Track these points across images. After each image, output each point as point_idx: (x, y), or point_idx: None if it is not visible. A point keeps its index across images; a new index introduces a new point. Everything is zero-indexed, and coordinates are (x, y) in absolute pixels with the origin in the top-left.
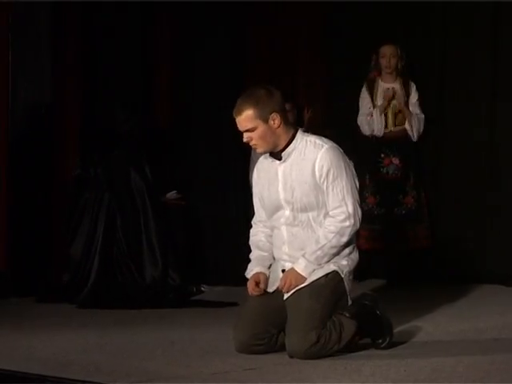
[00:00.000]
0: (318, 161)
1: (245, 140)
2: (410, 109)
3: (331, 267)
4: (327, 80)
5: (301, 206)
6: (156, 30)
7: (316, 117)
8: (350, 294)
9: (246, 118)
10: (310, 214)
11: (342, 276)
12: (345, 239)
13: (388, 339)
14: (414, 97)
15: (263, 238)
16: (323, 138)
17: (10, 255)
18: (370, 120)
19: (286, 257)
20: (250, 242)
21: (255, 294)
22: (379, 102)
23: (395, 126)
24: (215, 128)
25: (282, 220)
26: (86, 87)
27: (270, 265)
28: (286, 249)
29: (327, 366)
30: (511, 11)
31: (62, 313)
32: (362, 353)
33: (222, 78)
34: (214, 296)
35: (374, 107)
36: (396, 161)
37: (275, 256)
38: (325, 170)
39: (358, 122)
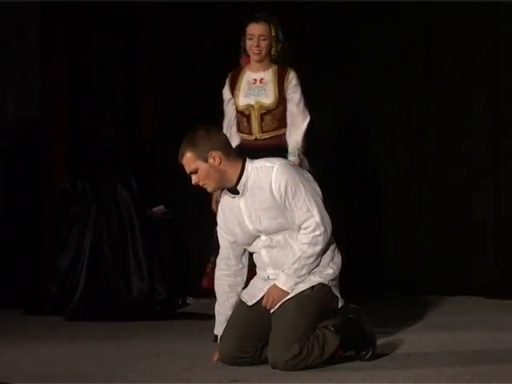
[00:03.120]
0: (273, 183)
1: (193, 182)
2: (289, 111)
3: (317, 279)
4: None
5: (273, 229)
6: (139, 45)
7: None
8: (340, 296)
9: (186, 161)
10: (285, 233)
11: (329, 285)
12: (319, 248)
13: (372, 351)
14: (292, 94)
15: (227, 288)
16: (271, 159)
17: None
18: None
19: (272, 276)
20: (216, 289)
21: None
22: (241, 100)
23: (262, 132)
24: None
25: (260, 244)
26: (74, 102)
27: None
28: (270, 270)
29: (312, 377)
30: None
31: (50, 325)
32: (346, 364)
33: (206, 92)
34: (199, 308)
35: (236, 108)
36: None
37: (261, 276)
38: (282, 189)
39: None
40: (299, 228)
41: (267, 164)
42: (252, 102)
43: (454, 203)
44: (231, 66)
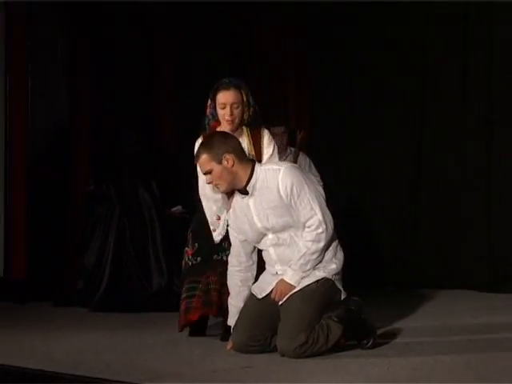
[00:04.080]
0: (280, 184)
1: (207, 182)
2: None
3: (321, 274)
4: (311, 107)
5: (279, 227)
6: (159, 55)
7: (306, 137)
8: (342, 289)
9: (202, 162)
10: (291, 232)
11: (333, 279)
12: (322, 244)
13: (372, 340)
14: (268, 149)
15: (239, 283)
16: (279, 162)
17: (30, 264)
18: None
19: (280, 272)
20: (228, 283)
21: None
22: None
23: None
24: None
25: (268, 242)
26: (98, 111)
27: None
28: (278, 266)
29: (317, 364)
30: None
31: (76, 316)
32: (348, 352)
33: None
34: None
35: None
36: None
37: (269, 271)
38: (288, 189)
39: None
40: (304, 226)
41: (274, 167)
42: None
43: (452, 203)
44: (244, 70)
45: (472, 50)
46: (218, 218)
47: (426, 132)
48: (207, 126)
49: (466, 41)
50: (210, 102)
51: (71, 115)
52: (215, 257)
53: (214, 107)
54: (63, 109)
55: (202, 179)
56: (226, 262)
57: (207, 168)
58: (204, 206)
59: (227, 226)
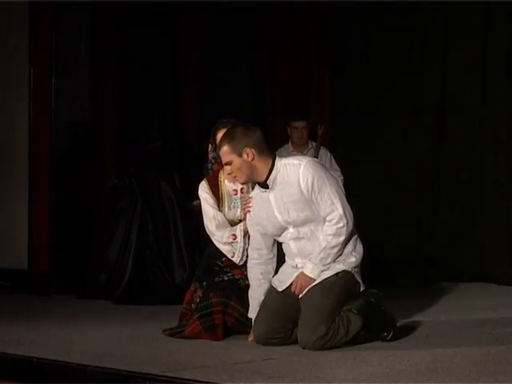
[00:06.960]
0: (301, 178)
1: (227, 172)
2: None
3: (341, 267)
4: (334, 103)
5: (300, 221)
6: (183, 54)
7: (327, 132)
8: (361, 282)
9: (223, 153)
10: (311, 226)
11: (352, 272)
12: (342, 238)
13: (392, 332)
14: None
15: (259, 276)
16: (299, 157)
17: (53, 258)
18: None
19: (300, 265)
20: (249, 275)
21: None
22: (227, 213)
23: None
24: None
25: (289, 236)
26: (122, 110)
27: None
28: (299, 260)
29: (338, 356)
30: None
31: (100, 308)
32: (369, 344)
33: (242, 94)
34: None
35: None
36: None
37: (289, 264)
38: (309, 183)
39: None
40: (324, 220)
41: (295, 161)
42: (239, 216)
43: (472, 197)
44: (267, 66)
45: (491, 50)
46: (234, 238)
47: (447, 126)
48: (210, 171)
49: (485, 42)
50: (210, 146)
51: (95, 114)
52: (216, 279)
53: (215, 149)
54: (87, 108)
55: (206, 217)
56: (228, 281)
57: (227, 159)
58: (215, 241)
59: (244, 234)
